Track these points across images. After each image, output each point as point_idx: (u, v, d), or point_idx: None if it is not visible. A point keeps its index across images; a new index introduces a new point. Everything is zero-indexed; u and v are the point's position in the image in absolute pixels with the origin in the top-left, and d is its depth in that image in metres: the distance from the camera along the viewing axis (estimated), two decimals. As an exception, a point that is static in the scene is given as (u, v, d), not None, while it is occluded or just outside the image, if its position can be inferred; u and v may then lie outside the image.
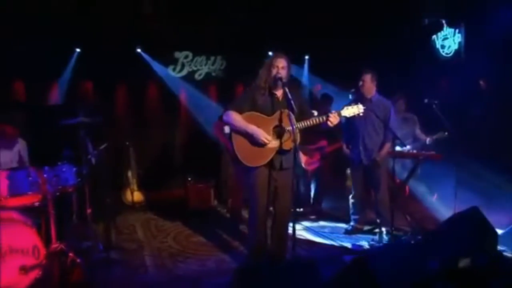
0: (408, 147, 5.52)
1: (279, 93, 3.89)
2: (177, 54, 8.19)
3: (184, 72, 8.25)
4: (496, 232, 3.94)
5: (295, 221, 5.60)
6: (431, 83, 7.46)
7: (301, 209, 6.14)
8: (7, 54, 6.34)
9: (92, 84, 7.65)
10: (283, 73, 3.81)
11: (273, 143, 3.76)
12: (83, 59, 7.32)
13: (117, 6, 7.03)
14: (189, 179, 6.68)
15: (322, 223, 5.90)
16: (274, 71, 3.81)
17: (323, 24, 7.66)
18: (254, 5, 7.67)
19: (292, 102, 3.59)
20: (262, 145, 3.74)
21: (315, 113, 4.51)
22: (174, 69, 8.17)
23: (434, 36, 7.84)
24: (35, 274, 3.58)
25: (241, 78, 7.82)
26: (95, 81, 7.63)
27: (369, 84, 5.03)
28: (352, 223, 5.42)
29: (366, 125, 5.05)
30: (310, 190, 6.22)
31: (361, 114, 3.86)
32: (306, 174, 6.11)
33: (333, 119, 3.72)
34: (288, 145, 3.73)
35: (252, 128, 3.75)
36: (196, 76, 8.34)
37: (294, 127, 3.55)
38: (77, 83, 7.46)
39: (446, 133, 5.52)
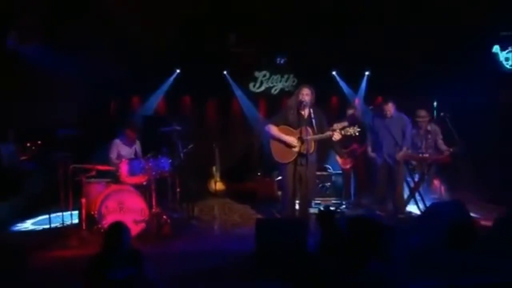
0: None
1: (305, 112, 5.59)
2: (257, 74, 10.04)
3: (262, 88, 10.07)
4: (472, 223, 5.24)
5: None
6: (492, 94, 8.29)
7: (343, 202, 7.68)
8: (127, 77, 8.62)
9: (190, 98, 9.82)
10: (307, 99, 5.52)
11: (297, 148, 5.47)
12: (182, 79, 9.44)
13: (208, 36, 8.96)
14: (259, 174, 8.55)
15: (359, 211, 7.37)
16: (300, 97, 5.54)
17: (382, 44, 8.77)
18: (323, 32, 9.15)
19: (313, 120, 5.35)
20: (290, 149, 5.48)
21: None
22: (254, 86, 10.05)
23: (497, 50, 8.20)
24: (142, 226, 5.63)
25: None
26: (192, 96, 9.79)
27: (391, 110, 6.54)
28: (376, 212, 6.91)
29: (387, 135, 6.56)
30: (350, 186, 7.72)
31: (357, 134, 5.46)
32: (346, 173, 7.64)
33: (336, 136, 5.38)
34: (304, 150, 5.42)
35: (285, 137, 5.52)
36: (272, 91, 10.10)
37: (309, 137, 5.28)
38: (179, 98, 9.69)
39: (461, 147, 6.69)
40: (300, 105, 5.53)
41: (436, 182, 7.44)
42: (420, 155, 6.74)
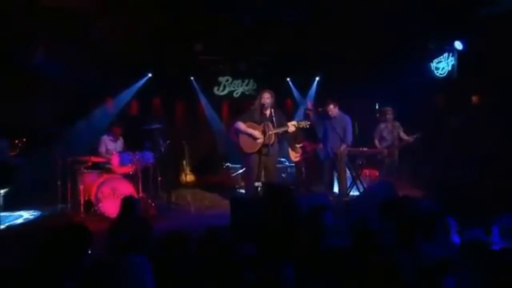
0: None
1: (267, 112, 6.85)
2: (220, 78, 11.20)
3: (225, 92, 11.24)
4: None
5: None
6: (426, 98, 9.54)
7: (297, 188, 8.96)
8: (105, 81, 9.56)
9: (159, 100, 10.86)
10: (268, 101, 6.78)
11: (260, 141, 6.72)
12: (154, 83, 10.43)
13: (177, 45, 10.05)
14: (224, 167, 9.75)
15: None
16: (262, 100, 6.79)
17: (332, 53, 10.00)
18: (278, 40, 10.41)
19: (273, 118, 6.62)
20: (255, 140, 6.72)
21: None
22: (218, 89, 11.21)
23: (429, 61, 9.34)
24: (132, 208, 6.70)
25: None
26: (162, 98, 10.82)
27: (333, 110, 7.88)
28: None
29: (331, 133, 7.92)
30: (302, 176, 9.04)
31: (307, 127, 6.78)
32: (296, 165, 8.97)
33: (291, 128, 6.66)
34: (267, 141, 6.68)
35: (251, 131, 6.75)
36: (234, 94, 11.28)
37: (270, 132, 6.55)
38: (150, 99, 10.72)
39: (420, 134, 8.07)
40: (263, 106, 6.80)
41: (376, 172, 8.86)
42: (360, 148, 8.15)
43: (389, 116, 8.40)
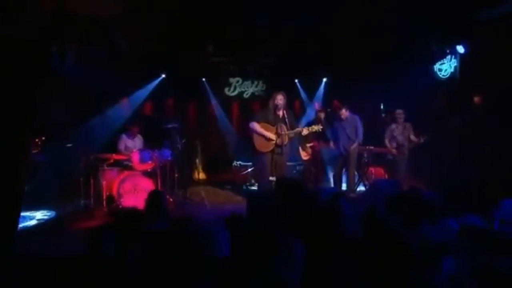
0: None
1: (279, 113, 7.23)
2: (231, 80, 11.61)
3: (236, 92, 11.65)
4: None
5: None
6: (429, 99, 10.05)
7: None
8: (119, 80, 9.88)
9: (172, 100, 11.27)
10: (280, 103, 7.16)
11: (274, 141, 7.11)
12: (167, 84, 10.77)
13: (190, 46, 10.46)
14: (234, 165, 10.16)
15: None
16: (275, 101, 7.17)
17: (339, 54, 10.30)
18: (286, 42, 10.77)
19: (286, 119, 7.01)
20: (269, 141, 7.11)
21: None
22: (228, 90, 11.63)
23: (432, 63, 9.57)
24: (151, 202, 7.11)
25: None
26: (175, 99, 11.22)
27: (345, 114, 8.28)
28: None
29: (343, 133, 8.32)
30: (311, 173, 9.45)
31: (320, 130, 7.21)
32: (305, 163, 9.36)
33: (305, 131, 7.08)
34: (280, 142, 7.08)
35: (266, 133, 7.13)
36: (244, 95, 11.68)
37: (284, 133, 6.95)
38: (163, 100, 11.12)
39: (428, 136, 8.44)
40: (276, 107, 7.18)
41: (381, 170, 9.25)
42: (367, 147, 8.55)
43: (400, 120, 8.75)
